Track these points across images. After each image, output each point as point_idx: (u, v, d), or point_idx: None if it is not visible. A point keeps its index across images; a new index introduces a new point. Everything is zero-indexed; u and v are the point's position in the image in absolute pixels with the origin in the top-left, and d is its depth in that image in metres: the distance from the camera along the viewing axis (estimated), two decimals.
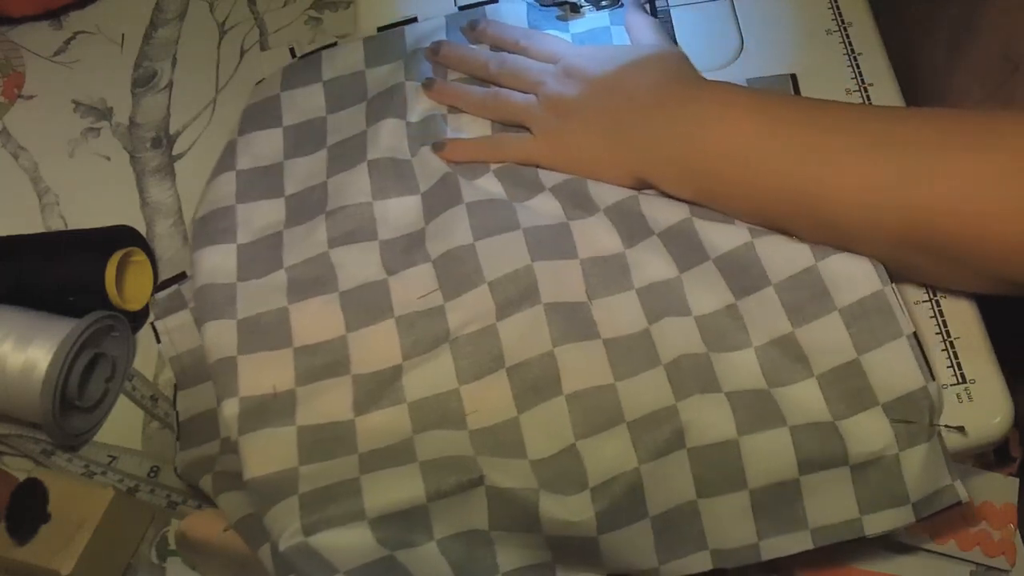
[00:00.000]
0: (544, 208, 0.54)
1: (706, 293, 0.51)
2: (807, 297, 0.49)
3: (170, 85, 0.74)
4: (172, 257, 0.66)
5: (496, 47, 0.61)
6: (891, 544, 0.52)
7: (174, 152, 0.70)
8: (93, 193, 0.69)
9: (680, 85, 0.53)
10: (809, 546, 0.46)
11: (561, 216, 0.54)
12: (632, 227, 0.53)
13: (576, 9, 0.63)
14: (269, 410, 0.50)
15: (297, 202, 0.58)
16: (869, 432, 0.46)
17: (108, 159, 0.71)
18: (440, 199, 0.55)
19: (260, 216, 0.58)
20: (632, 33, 0.60)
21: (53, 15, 0.78)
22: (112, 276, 0.60)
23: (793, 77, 0.59)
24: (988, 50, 0.61)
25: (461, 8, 0.63)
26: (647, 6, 0.63)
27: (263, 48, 0.74)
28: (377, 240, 0.55)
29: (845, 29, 0.61)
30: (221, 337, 0.53)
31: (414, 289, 0.52)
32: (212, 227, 0.57)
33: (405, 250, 0.54)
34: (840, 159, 0.46)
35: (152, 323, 0.59)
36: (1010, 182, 0.43)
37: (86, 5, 0.78)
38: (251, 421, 0.50)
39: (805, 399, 0.47)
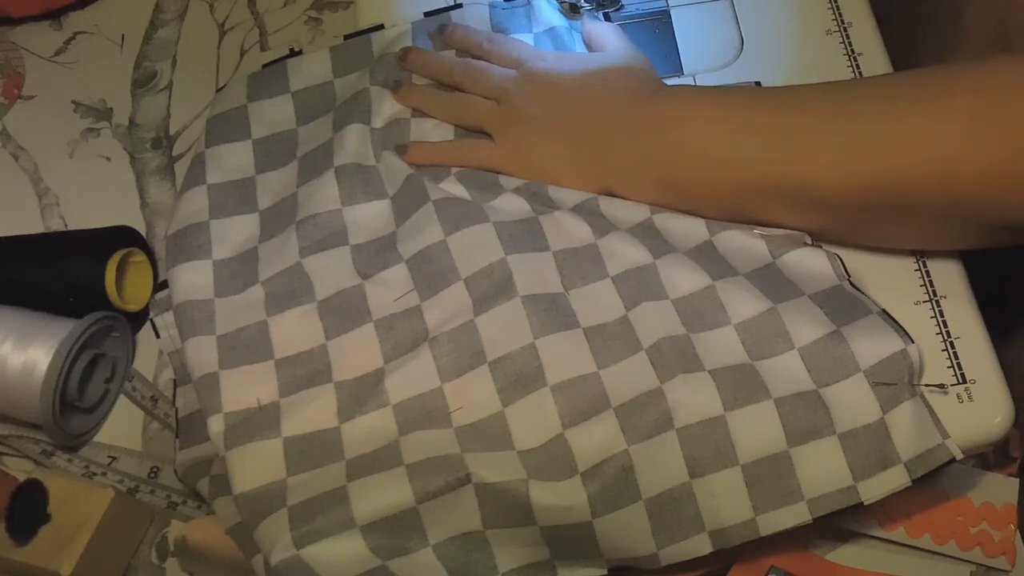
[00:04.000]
0: (509, 206, 0.55)
1: (681, 276, 0.51)
2: (776, 286, 0.50)
3: (170, 85, 0.74)
4: None
5: (462, 51, 0.61)
6: (891, 544, 0.52)
7: (174, 153, 0.70)
8: (93, 193, 0.69)
9: (640, 93, 0.54)
10: (807, 518, 0.46)
11: (528, 211, 0.54)
12: (597, 224, 0.54)
13: (576, 10, 0.63)
14: (254, 423, 0.50)
15: (271, 216, 0.58)
16: (852, 398, 0.47)
17: (108, 159, 0.71)
18: (407, 201, 0.55)
19: (235, 232, 0.58)
20: (594, 42, 0.60)
21: (53, 15, 0.78)
22: (112, 277, 0.60)
23: (757, 84, 0.59)
24: (980, 29, 0.61)
25: (427, 14, 0.63)
26: (602, 15, 0.63)
27: (263, 48, 0.74)
28: (348, 245, 0.55)
29: (845, 29, 0.61)
30: (202, 354, 0.53)
31: (390, 291, 0.53)
32: (186, 243, 0.57)
33: (377, 253, 0.54)
34: (804, 138, 0.48)
35: (151, 319, 0.59)
36: (967, 136, 0.44)
37: (86, 5, 0.78)
38: (237, 436, 0.50)
39: (788, 370, 0.48)
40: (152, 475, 0.58)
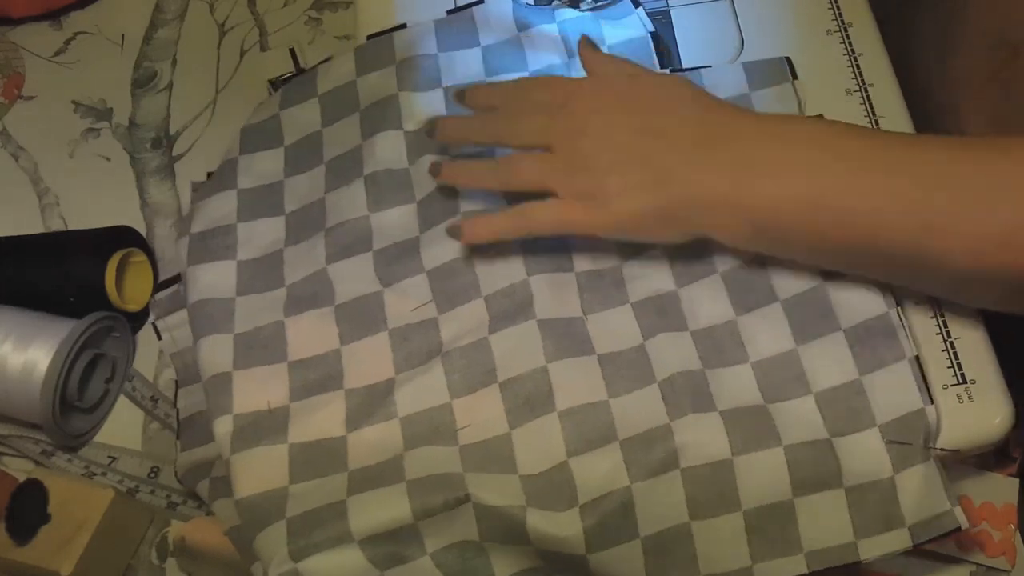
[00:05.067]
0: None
1: (705, 306, 0.50)
2: (813, 315, 0.49)
3: (170, 85, 0.74)
4: (172, 257, 0.66)
5: (489, 108, 0.54)
6: None
7: (174, 153, 0.71)
8: (93, 193, 0.69)
9: (711, 116, 0.47)
10: (803, 571, 0.45)
11: None
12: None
13: (575, 4, 0.63)
14: (262, 427, 0.50)
15: (297, 219, 0.58)
16: (864, 452, 0.46)
17: (108, 159, 0.71)
18: (436, 208, 0.55)
19: (261, 234, 0.58)
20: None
21: (53, 15, 0.78)
22: (112, 276, 0.60)
23: (788, 60, 0.58)
24: (981, 36, 0.61)
25: (449, 12, 0.63)
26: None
27: (263, 48, 0.74)
28: (372, 251, 0.55)
29: (845, 29, 0.61)
30: (216, 353, 0.53)
31: (408, 301, 0.52)
32: (213, 243, 0.57)
33: (398, 258, 0.54)
34: (929, 204, 0.43)
35: (153, 323, 0.59)
36: None
37: (86, 5, 0.78)
38: (244, 439, 0.50)
39: (802, 416, 0.47)
40: (152, 475, 0.58)
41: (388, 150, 0.57)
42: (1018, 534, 0.51)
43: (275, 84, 0.69)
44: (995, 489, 0.52)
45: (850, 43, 0.60)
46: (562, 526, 0.45)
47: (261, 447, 0.49)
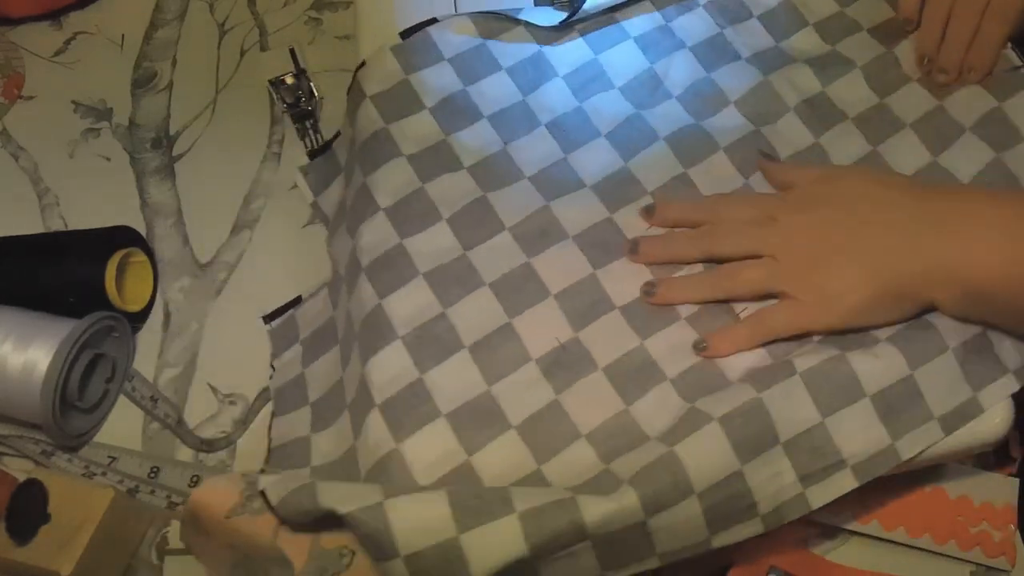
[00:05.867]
0: (729, 121, 0.59)
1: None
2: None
3: (170, 85, 0.74)
4: (172, 257, 0.66)
5: (679, 225, 0.56)
6: (891, 544, 0.52)
7: (174, 153, 0.71)
8: (93, 193, 0.69)
9: (899, 195, 0.50)
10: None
11: (748, 126, 0.58)
12: None
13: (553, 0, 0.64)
14: (564, 363, 0.51)
15: (483, 170, 0.58)
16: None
17: (108, 159, 0.71)
18: (631, 139, 0.59)
19: (448, 189, 0.58)
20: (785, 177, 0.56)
21: (53, 15, 0.78)
22: (112, 276, 0.60)
23: None
24: None
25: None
26: None
27: (263, 48, 0.74)
28: (587, 187, 0.57)
29: None
30: (483, 310, 0.53)
31: (641, 222, 0.55)
32: (410, 213, 0.57)
33: (618, 186, 0.57)
34: None
35: (272, 363, 0.61)
36: None
37: (86, 5, 0.78)
38: (557, 378, 0.51)
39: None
40: (152, 475, 0.58)
41: (557, 97, 0.60)
42: (1018, 534, 0.51)
43: (275, 84, 0.69)
44: (995, 489, 0.52)
45: None
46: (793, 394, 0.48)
47: (581, 381, 0.51)
